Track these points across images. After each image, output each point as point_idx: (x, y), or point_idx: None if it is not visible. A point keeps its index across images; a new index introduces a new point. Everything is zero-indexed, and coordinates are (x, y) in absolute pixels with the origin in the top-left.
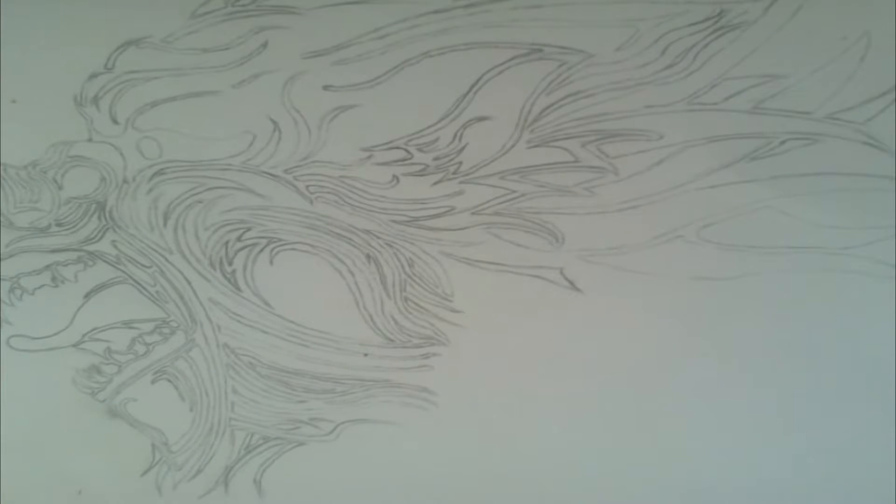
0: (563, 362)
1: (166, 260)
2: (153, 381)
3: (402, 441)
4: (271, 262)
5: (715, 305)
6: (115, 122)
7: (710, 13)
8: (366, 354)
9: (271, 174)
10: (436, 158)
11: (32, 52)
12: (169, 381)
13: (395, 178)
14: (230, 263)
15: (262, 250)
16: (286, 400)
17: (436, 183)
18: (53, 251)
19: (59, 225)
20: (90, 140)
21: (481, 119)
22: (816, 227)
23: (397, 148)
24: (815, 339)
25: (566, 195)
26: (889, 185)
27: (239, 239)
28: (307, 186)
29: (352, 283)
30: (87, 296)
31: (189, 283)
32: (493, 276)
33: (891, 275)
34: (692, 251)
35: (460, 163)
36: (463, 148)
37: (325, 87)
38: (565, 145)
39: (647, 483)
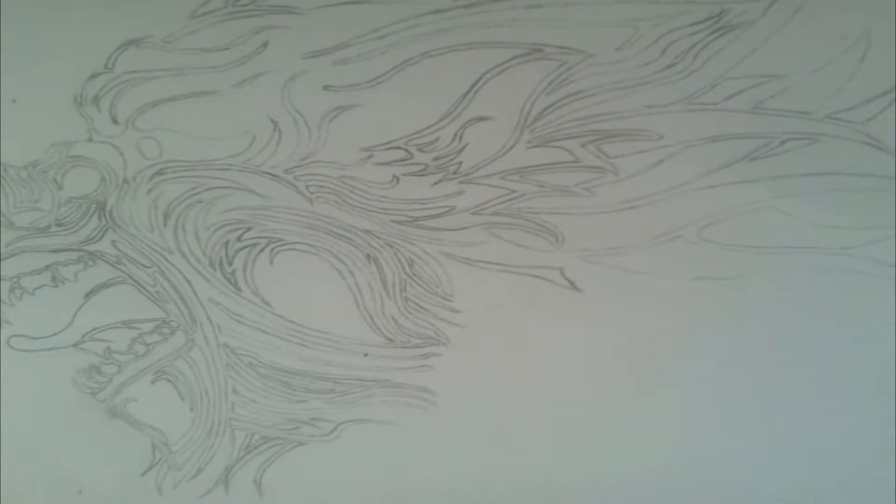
0: (563, 362)
1: (166, 260)
2: (153, 381)
3: (402, 441)
4: (271, 262)
5: (715, 305)
6: (115, 122)
7: (710, 13)
8: (366, 354)
9: (271, 174)
10: (436, 158)
11: (32, 52)
12: (169, 381)
13: (395, 178)
14: (230, 263)
15: (262, 250)
16: (286, 400)
17: (436, 183)
18: (53, 251)
19: (59, 225)
20: (90, 140)
21: (481, 119)
22: (816, 227)
23: (397, 148)
24: (815, 338)
25: (566, 195)
26: (889, 185)
27: (239, 239)
28: (307, 186)
29: (352, 283)
30: (87, 296)
31: (189, 283)
32: (493, 276)
33: (891, 275)
34: (692, 251)
35: (460, 163)
36: (463, 148)
37: (325, 87)
38: (565, 145)
39: (647, 482)
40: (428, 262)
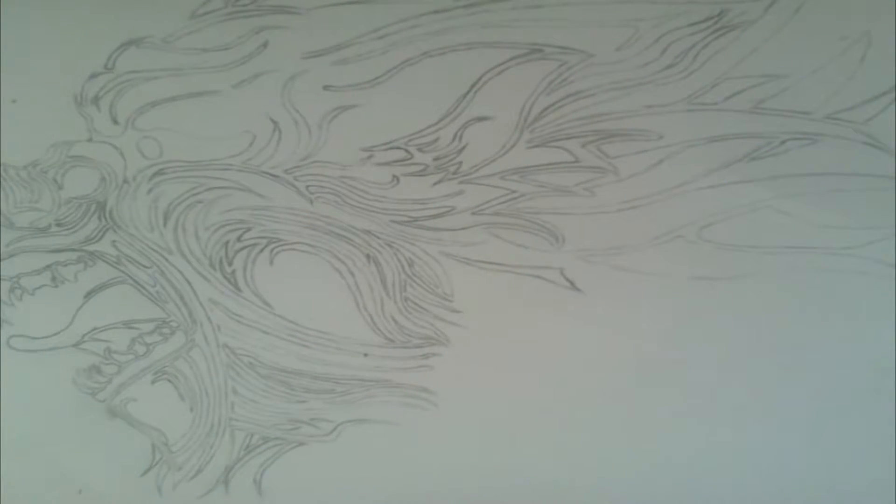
0: (563, 362)
1: (166, 260)
2: (153, 381)
3: (402, 441)
4: (271, 262)
5: (715, 305)
6: (115, 122)
7: (710, 13)
8: (366, 354)
9: (271, 174)
10: (436, 158)
11: (32, 52)
12: (169, 381)
13: (395, 178)
14: (230, 263)
15: (262, 250)
16: (286, 400)
17: (436, 183)
18: (53, 251)
19: (59, 225)
20: (90, 140)
21: (481, 119)
22: (816, 227)
23: (397, 148)
24: (815, 338)
25: (566, 195)
26: (889, 185)
27: (239, 239)
28: (307, 186)
29: (352, 283)
30: (87, 296)
31: (189, 283)
32: (493, 276)
33: (891, 275)
34: (692, 251)
35: (460, 163)
36: (463, 148)
37: (325, 87)
38: (565, 145)
39: (647, 483)
40: (428, 262)
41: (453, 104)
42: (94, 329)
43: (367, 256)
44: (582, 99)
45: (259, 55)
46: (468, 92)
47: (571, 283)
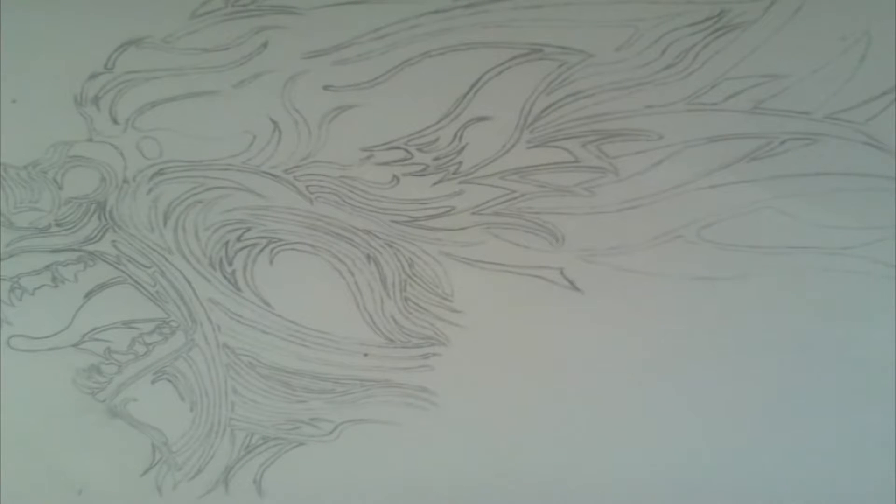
0: (563, 362)
1: (166, 260)
2: (153, 381)
3: (402, 441)
4: (271, 262)
5: (715, 305)
6: (115, 122)
7: (710, 13)
8: (366, 354)
9: (271, 174)
10: (436, 158)
11: (32, 52)
12: (169, 381)
13: (396, 178)
14: (230, 263)
15: (262, 250)
16: (286, 400)
17: (436, 183)
18: (53, 251)
19: (59, 225)
20: (90, 140)
21: (481, 119)
22: (816, 227)
23: (397, 148)
24: (815, 338)
25: (566, 195)
26: (889, 185)
27: (239, 239)
28: (307, 186)
29: (352, 283)
30: (87, 296)
31: (189, 283)
32: (493, 276)
33: (891, 275)
34: (692, 251)
35: (460, 163)
36: (463, 148)
37: (325, 87)
38: (565, 145)
39: (647, 482)
40: (428, 262)
41: (453, 104)
42: (94, 329)
43: (367, 256)
44: (582, 99)
45: (259, 55)
46: (468, 92)
47: (571, 283)
